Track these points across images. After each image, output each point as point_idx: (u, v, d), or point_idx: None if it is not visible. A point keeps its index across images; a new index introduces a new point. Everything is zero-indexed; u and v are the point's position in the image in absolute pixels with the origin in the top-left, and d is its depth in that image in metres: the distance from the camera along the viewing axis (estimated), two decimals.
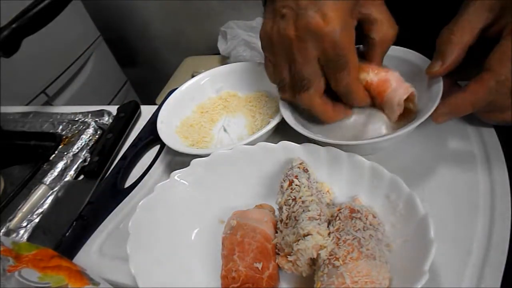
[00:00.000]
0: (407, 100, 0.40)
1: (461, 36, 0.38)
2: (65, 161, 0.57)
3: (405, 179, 0.35)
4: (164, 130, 0.50)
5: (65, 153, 0.59)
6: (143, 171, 0.53)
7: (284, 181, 0.39)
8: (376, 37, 0.40)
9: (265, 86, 0.54)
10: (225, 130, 0.53)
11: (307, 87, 0.40)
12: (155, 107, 0.63)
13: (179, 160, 0.52)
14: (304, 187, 0.37)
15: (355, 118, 0.44)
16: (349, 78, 0.39)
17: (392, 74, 0.41)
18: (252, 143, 0.44)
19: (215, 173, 0.43)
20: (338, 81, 0.39)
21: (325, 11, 0.35)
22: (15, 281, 0.32)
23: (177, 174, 0.42)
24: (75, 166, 0.57)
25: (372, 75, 0.41)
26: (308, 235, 0.33)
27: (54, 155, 0.59)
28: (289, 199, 0.37)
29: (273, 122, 0.45)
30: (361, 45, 0.43)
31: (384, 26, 0.40)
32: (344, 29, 0.36)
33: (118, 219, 0.47)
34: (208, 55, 1.71)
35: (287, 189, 0.38)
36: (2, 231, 0.49)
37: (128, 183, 0.53)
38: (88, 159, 0.57)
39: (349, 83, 0.39)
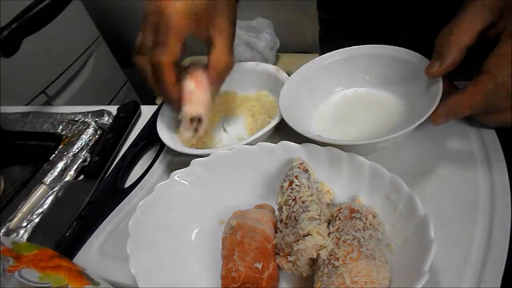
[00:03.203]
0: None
1: (460, 37, 0.38)
2: (65, 161, 0.57)
3: (405, 179, 0.35)
4: (164, 130, 0.50)
5: (65, 153, 0.59)
6: (143, 171, 0.53)
7: (284, 181, 0.39)
8: (211, 60, 0.46)
9: (265, 86, 0.54)
10: (225, 130, 0.53)
11: (143, 52, 0.45)
12: (155, 107, 0.63)
13: (179, 160, 0.52)
14: (304, 187, 0.37)
15: None
16: (162, 56, 0.43)
17: (199, 92, 0.46)
18: (252, 143, 0.44)
19: (215, 173, 0.43)
20: (154, 55, 0.44)
21: (177, 1, 0.43)
22: (15, 281, 0.32)
23: (177, 174, 0.42)
24: (75, 166, 0.57)
25: (189, 81, 0.46)
26: (308, 235, 0.33)
27: (54, 155, 0.59)
28: (289, 199, 0.37)
29: (273, 122, 0.45)
30: None
31: (220, 53, 0.46)
32: (180, 19, 0.42)
33: (118, 219, 0.47)
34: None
35: (287, 189, 0.38)
36: (2, 231, 0.49)
37: (128, 183, 0.53)
38: (88, 159, 0.57)
39: (160, 61, 0.43)
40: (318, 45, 0.79)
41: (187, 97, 0.46)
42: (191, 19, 0.44)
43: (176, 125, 0.52)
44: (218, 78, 0.47)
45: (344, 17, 0.66)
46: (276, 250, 0.36)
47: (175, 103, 0.47)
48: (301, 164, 0.40)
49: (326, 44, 0.74)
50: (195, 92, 0.46)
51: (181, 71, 0.47)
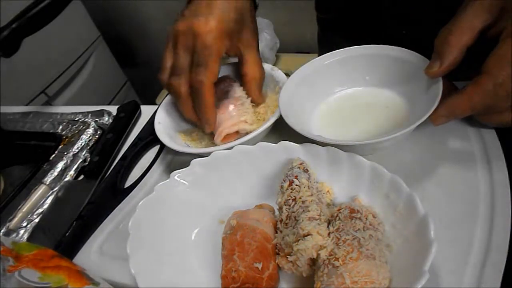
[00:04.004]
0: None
1: (459, 37, 0.38)
2: (65, 161, 0.57)
3: (405, 179, 0.35)
4: (162, 130, 0.50)
5: (65, 153, 0.59)
6: (143, 171, 0.53)
7: (284, 181, 0.39)
8: (248, 73, 0.49)
9: (264, 85, 0.54)
10: None
11: (178, 74, 0.46)
12: (155, 107, 0.63)
13: (179, 160, 0.52)
14: (304, 187, 0.37)
15: None
16: (204, 77, 0.44)
17: (235, 110, 0.48)
18: (250, 141, 0.44)
19: (215, 173, 0.43)
20: (194, 75, 0.44)
21: (210, 20, 0.43)
22: (15, 281, 0.32)
23: (177, 174, 0.42)
24: (75, 166, 0.57)
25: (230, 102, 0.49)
26: (308, 235, 0.33)
27: (54, 155, 0.59)
28: (289, 199, 0.37)
29: (272, 119, 0.45)
30: None
31: (254, 65, 0.49)
32: (217, 39, 0.44)
33: (118, 219, 0.47)
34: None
35: (287, 189, 0.38)
36: (2, 231, 0.49)
37: (128, 183, 0.53)
38: (88, 159, 0.57)
39: (202, 82, 0.44)
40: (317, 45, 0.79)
41: (221, 115, 0.48)
42: (225, 38, 0.45)
43: (177, 127, 0.52)
44: (258, 91, 0.50)
45: (343, 17, 0.66)
46: (276, 250, 0.36)
47: (210, 125, 0.47)
48: (301, 164, 0.40)
49: (325, 44, 0.74)
50: (236, 107, 0.49)
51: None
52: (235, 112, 0.48)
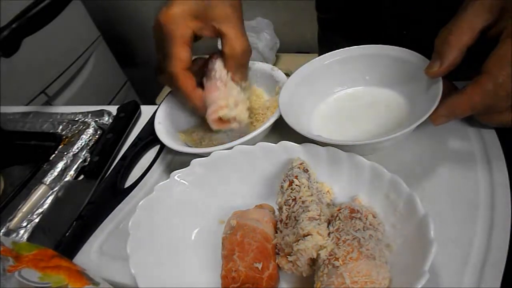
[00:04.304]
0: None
1: (459, 37, 0.38)
2: (65, 161, 0.57)
3: (405, 179, 0.35)
4: (162, 130, 0.50)
5: (65, 153, 0.59)
6: (143, 171, 0.53)
7: (284, 181, 0.39)
8: (225, 51, 0.45)
9: (261, 85, 0.54)
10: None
11: (161, 71, 0.46)
12: (155, 107, 0.63)
13: (179, 160, 0.52)
14: (304, 187, 0.37)
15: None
16: (172, 67, 0.43)
17: (222, 90, 0.46)
18: (250, 141, 0.44)
19: (215, 173, 0.43)
20: (166, 68, 0.44)
21: (171, 7, 0.43)
22: (15, 281, 0.32)
23: (177, 174, 0.42)
24: (75, 166, 0.57)
25: (209, 80, 0.47)
26: (308, 235, 0.33)
27: (54, 155, 0.59)
28: (289, 199, 0.37)
29: (272, 119, 0.45)
30: None
31: (232, 41, 0.45)
32: (178, 23, 0.42)
33: (118, 219, 0.47)
34: (208, 55, 1.72)
35: (287, 189, 0.38)
36: (2, 231, 0.49)
37: (128, 183, 0.53)
38: (88, 159, 0.57)
39: (172, 72, 0.43)
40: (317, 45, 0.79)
41: (209, 97, 0.46)
42: (190, 21, 0.43)
43: (178, 127, 0.52)
44: (238, 66, 0.46)
45: (343, 17, 0.66)
46: (276, 250, 0.36)
47: (200, 108, 0.46)
48: (301, 164, 0.40)
49: (325, 44, 0.74)
50: (218, 90, 0.46)
51: (200, 72, 0.47)
52: (216, 96, 0.46)
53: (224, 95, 0.46)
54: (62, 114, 0.67)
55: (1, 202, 0.53)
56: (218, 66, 0.47)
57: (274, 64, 0.78)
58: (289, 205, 0.36)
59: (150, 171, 0.52)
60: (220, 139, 0.51)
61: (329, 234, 0.34)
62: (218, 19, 0.44)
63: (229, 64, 0.46)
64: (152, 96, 1.68)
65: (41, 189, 0.54)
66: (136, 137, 0.58)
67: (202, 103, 0.46)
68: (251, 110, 0.51)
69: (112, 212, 0.48)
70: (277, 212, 0.39)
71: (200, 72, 0.49)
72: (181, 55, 0.43)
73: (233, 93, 0.46)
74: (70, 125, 0.64)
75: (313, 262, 0.34)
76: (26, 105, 1.31)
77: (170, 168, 0.51)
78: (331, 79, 0.50)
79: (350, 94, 0.50)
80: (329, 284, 0.30)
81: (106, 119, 0.64)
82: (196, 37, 0.46)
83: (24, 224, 0.50)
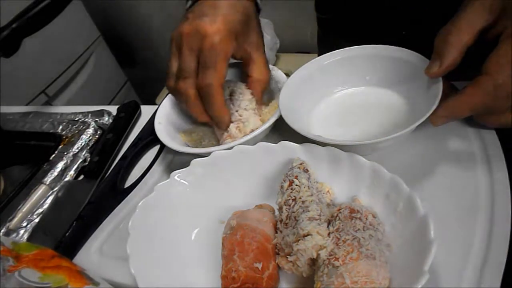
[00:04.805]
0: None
1: (459, 37, 0.38)
2: (65, 161, 0.57)
3: (405, 179, 0.35)
4: (162, 130, 0.50)
5: (65, 153, 0.59)
6: (143, 171, 0.53)
7: (284, 181, 0.39)
8: (255, 76, 0.48)
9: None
10: None
11: (185, 77, 0.44)
12: (155, 107, 0.63)
13: (179, 160, 0.52)
14: (304, 187, 0.37)
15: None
16: (212, 79, 0.43)
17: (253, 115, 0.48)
18: (250, 141, 0.44)
19: (215, 173, 0.43)
20: (202, 78, 0.43)
21: (216, 21, 0.43)
22: (15, 281, 0.32)
23: (177, 174, 0.42)
24: (75, 166, 0.57)
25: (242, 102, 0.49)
26: (308, 235, 0.33)
27: (54, 155, 0.59)
28: (289, 199, 0.37)
29: (272, 119, 0.45)
30: None
31: (260, 68, 0.48)
32: (224, 40, 0.43)
33: (118, 219, 0.47)
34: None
35: (287, 189, 0.38)
36: (2, 231, 0.49)
37: (128, 183, 0.53)
38: (88, 159, 0.57)
39: (211, 84, 0.43)
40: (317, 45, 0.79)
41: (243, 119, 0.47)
42: (233, 41, 0.44)
43: (178, 127, 0.52)
44: (262, 93, 0.49)
45: (342, 17, 0.66)
46: (276, 250, 0.36)
47: (225, 124, 0.47)
48: (301, 164, 0.40)
49: (325, 44, 0.74)
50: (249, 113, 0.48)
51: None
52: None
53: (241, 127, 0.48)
54: (62, 114, 0.67)
55: (1, 202, 0.53)
56: (241, 92, 0.50)
57: (274, 64, 0.78)
58: (289, 205, 0.36)
59: (150, 171, 0.52)
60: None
61: (329, 234, 0.34)
62: (250, 44, 0.47)
63: (256, 90, 0.49)
64: (152, 96, 1.68)
65: (41, 189, 0.54)
66: (136, 137, 0.58)
67: (229, 119, 0.47)
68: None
69: (112, 212, 0.48)
70: (277, 212, 0.39)
71: None
72: (222, 69, 0.43)
73: (250, 121, 0.48)
74: (70, 125, 0.64)
75: (313, 262, 0.34)
76: (26, 105, 1.31)
77: (170, 168, 0.51)
78: (331, 79, 0.50)
79: (350, 94, 0.50)
80: (329, 284, 0.30)
81: (106, 119, 0.64)
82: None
83: (24, 224, 0.50)
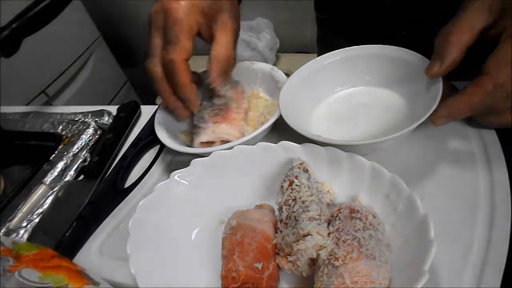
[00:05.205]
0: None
1: (459, 37, 0.38)
2: (65, 161, 0.57)
3: (405, 179, 0.35)
4: (162, 130, 0.50)
5: (65, 153, 0.59)
6: (143, 171, 0.53)
7: (284, 181, 0.39)
8: (211, 53, 0.45)
9: (260, 85, 0.54)
10: None
11: (152, 56, 0.45)
12: (155, 107, 0.63)
13: (179, 160, 0.52)
14: (304, 187, 0.37)
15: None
16: (175, 54, 0.42)
17: (239, 121, 0.48)
18: (250, 141, 0.44)
19: (215, 173, 0.43)
20: (165, 54, 0.43)
21: None
22: (15, 281, 0.32)
23: (177, 174, 0.42)
24: (75, 166, 0.57)
25: (234, 106, 0.49)
26: (308, 235, 0.33)
27: (54, 155, 0.59)
28: (289, 199, 0.37)
29: (271, 120, 0.45)
30: None
31: (219, 47, 0.45)
32: (187, 14, 0.43)
33: (118, 219, 0.47)
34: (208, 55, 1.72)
35: (287, 189, 0.38)
36: (2, 231, 0.49)
37: (128, 183, 0.53)
38: (88, 159, 0.57)
39: (174, 59, 0.43)
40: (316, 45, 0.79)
41: (224, 116, 0.47)
42: (197, 16, 0.43)
43: (178, 127, 0.52)
44: (219, 71, 0.46)
45: (342, 17, 0.66)
46: (276, 250, 0.36)
47: (192, 103, 0.46)
48: (301, 164, 0.40)
49: (325, 44, 0.74)
50: (231, 113, 0.48)
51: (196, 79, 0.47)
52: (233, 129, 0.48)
53: (235, 131, 0.48)
54: (62, 114, 0.67)
55: (1, 202, 0.53)
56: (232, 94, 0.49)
57: (274, 64, 0.78)
58: (289, 205, 0.36)
59: (150, 171, 0.52)
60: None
61: (329, 234, 0.34)
62: (217, 25, 0.45)
63: (212, 67, 0.45)
64: (152, 96, 1.68)
65: (41, 189, 0.54)
66: (136, 137, 0.58)
67: (195, 97, 0.46)
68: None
69: (112, 212, 0.48)
70: (277, 212, 0.39)
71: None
72: (185, 44, 0.43)
73: (241, 130, 0.48)
74: (70, 125, 0.64)
75: (313, 262, 0.34)
76: (26, 105, 1.31)
77: (170, 168, 0.51)
78: (331, 79, 0.50)
79: (350, 94, 0.50)
80: (329, 284, 0.30)
81: (106, 119, 0.64)
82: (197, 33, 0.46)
83: (24, 224, 0.50)
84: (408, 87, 0.45)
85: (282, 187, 0.39)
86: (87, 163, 0.57)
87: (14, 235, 0.49)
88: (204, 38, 0.47)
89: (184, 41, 0.43)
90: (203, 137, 0.48)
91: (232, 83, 0.50)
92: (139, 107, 0.65)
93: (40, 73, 1.39)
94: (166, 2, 0.43)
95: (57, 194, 0.53)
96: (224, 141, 0.47)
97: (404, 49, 0.45)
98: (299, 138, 0.42)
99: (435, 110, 0.37)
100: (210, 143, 0.48)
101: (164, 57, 0.43)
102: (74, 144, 0.60)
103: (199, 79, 0.51)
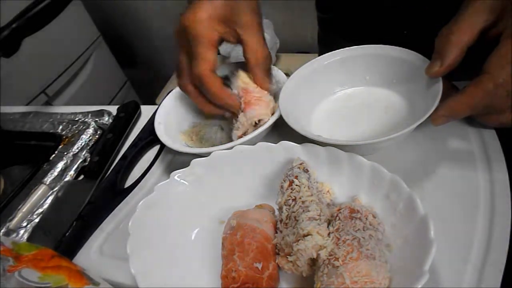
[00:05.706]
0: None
1: (460, 36, 0.38)
2: (65, 161, 0.57)
3: (405, 179, 0.35)
4: (162, 130, 0.50)
5: (65, 153, 0.59)
6: (143, 171, 0.53)
7: (285, 181, 0.39)
8: (249, 58, 0.46)
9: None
10: (222, 129, 0.53)
11: (181, 75, 0.46)
12: (155, 107, 0.63)
13: (179, 160, 0.52)
14: (304, 187, 0.37)
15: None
16: (200, 69, 0.43)
17: (265, 97, 0.47)
18: (250, 141, 0.44)
19: (215, 173, 0.43)
20: (192, 71, 0.44)
21: (196, 10, 0.43)
22: (15, 281, 0.32)
23: (177, 174, 0.42)
24: (75, 166, 0.57)
25: (253, 87, 0.47)
26: (308, 235, 0.33)
27: (54, 155, 0.59)
28: (289, 199, 0.37)
29: (272, 119, 0.45)
30: None
31: (252, 49, 0.45)
32: (206, 26, 0.43)
33: (118, 219, 0.47)
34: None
35: (287, 189, 0.38)
36: (2, 231, 0.49)
37: (128, 183, 0.53)
38: (88, 159, 0.57)
39: (201, 73, 0.43)
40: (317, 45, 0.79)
41: (247, 101, 0.46)
42: (216, 24, 0.44)
43: (178, 127, 0.52)
44: (262, 75, 0.46)
45: (343, 16, 0.66)
46: (276, 250, 0.36)
47: (233, 106, 0.46)
48: (301, 164, 0.40)
49: (325, 44, 0.74)
50: (253, 94, 0.46)
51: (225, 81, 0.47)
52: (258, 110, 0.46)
53: (265, 108, 0.46)
54: (62, 114, 0.67)
55: (1, 202, 0.53)
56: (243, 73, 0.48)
57: (274, 64, 0.78)
58: (289, 205, 0.36)
59: (150, 171, 0.52)
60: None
61: (329, 234, 0.34)
62: (241, 26, 0.45)
63: (254, 72, 0.46)
64: (152, 96, 1.68)
65: (41, 189, 0.54)
66: (136, 137, 0.58)
67: (233, 100, 0.46)
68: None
69: (112, 212, 0.48)
70: (277, 212, 0.39)
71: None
72: (207, 56, 0.43)
73: (270, 105, 0.47)
74: (70, 125, 0.64)
75: (313, 262, 0.34)
76: (26, 105, 1.31)
77: (170, 168, 0.51)
78: (331, 79, 0.50)
79: (350, 94, 0.50)
80: (329, 284, 0.30)
81: (106, 119, 0.64)
82: (221, 41, 0.47)
83: (24, 224, 0.50)
84: (408, 87, 0.45)
85: (282, 187, 0.39)
86: (87, 163, 0.57)
87: (14, 235, 0.49)
88: (232, 43, 0.47)
89: (206, 53, 0.43)
90: (240, 129, 0.47)
91: (240, 66, 0.50)
92: (139, 107, 0.65)
93: (40, 73, 1.39)
94: (185, 20, 0.44)
95: (57, 194, 0.53)
96: (257, 125, 0.46)
97: (404, 49, 0.45)
98: (299, 138, 0.42)
99: (435, 110, 0.37)
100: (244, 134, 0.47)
101: (190, 74, 0.45)
102: (74, 144, 0.60)
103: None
